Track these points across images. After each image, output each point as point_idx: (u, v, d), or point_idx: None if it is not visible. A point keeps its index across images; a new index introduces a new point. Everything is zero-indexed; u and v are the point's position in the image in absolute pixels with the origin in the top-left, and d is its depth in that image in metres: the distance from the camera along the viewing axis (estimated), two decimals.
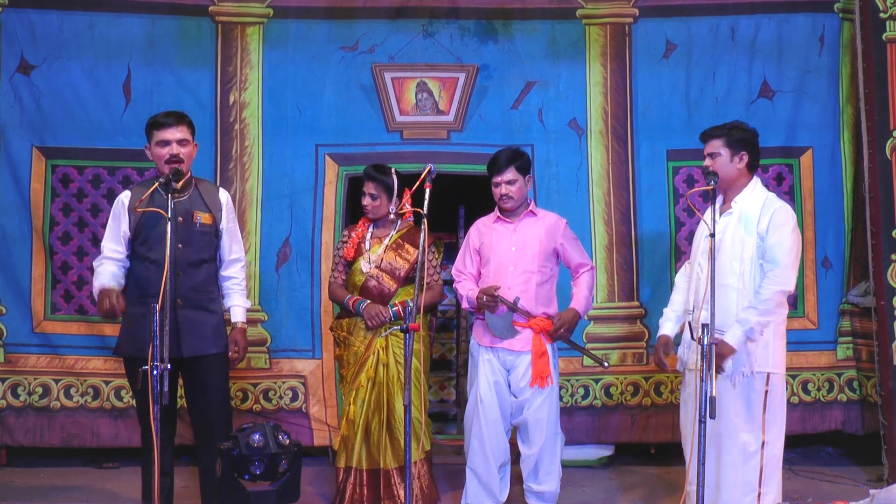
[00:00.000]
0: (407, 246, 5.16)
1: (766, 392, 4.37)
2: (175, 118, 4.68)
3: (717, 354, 4.04)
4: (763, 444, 4.36)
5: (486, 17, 6.36)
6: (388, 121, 6.35)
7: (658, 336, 4.67)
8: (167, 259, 4.20)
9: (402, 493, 4.95)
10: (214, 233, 4.76)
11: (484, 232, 5.16)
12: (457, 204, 7.58)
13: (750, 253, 4.36)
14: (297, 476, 5.31)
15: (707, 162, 4.49)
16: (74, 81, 6.14)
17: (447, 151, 6.33)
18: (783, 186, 6.31)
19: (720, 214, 4.45)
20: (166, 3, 6.22)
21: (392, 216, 5.19)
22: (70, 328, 6.16)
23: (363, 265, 5.12)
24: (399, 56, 6.35)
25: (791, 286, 4.35)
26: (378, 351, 5.06)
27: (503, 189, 5.01)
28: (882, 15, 5.93)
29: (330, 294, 5.34)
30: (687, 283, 4.64)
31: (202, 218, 4.68)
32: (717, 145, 4.47)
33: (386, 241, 5.15)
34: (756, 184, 4.51)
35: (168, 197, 4.29)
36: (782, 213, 4.37)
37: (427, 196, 4.38)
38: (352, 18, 6.32)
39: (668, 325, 4.66)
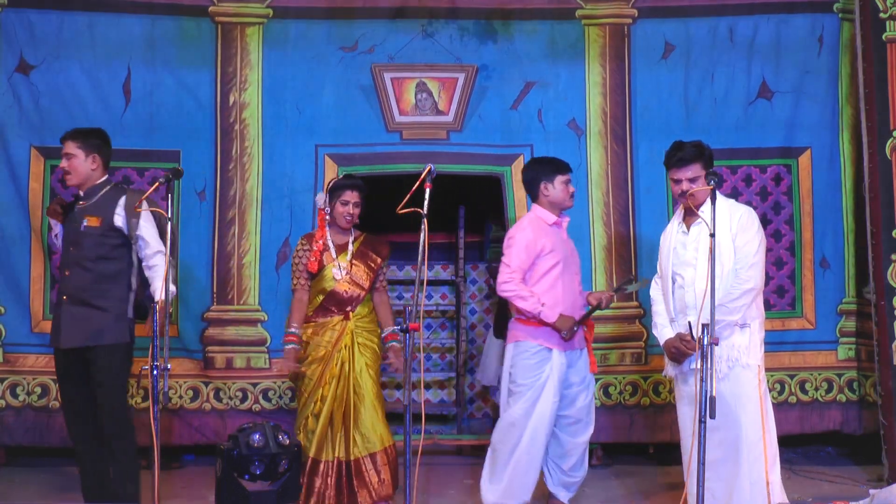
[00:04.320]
0: (371, 253, 5.49)
1: (760, 382, 4.52)
2: (65, 135, 4.97)
3: (683, 352, 4.53)
4: (763, 431, 4.48)
5: (486, 18, 6.40)
6: (387, 121, 6.37)
7: (666, 340, 4.70)
8: (167, 260, 4.30)
9: (374, 479, 5.24)
10: (103, 234, 4.85)
11: (542, 234, 5.20)
12: (457, 204, 7.61)
13: (730, 256, 4.51)
14: (297, 476, 5.32)
15: (686, 186, 4.59)
16: (74, 81, 6.18)
17: (447, 152, 6.36)
18: (781, 187, 6.35)
19: (688, 226, 4.67)
20: (166, 3, 6.25)
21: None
22: None
23: (335, 272, 5.36)
24: (398, 56, 6.38)
25: (761, 282, 4.57)
26: (342, 349, 5.30)
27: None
28: (882, 15, 5.95)
29: (298, 297, 5.45)
30: (662, 296, 4.82)
31: (88, 221, 4.85)
32: (696, 169, 4.59)
33: (351, 248, 5.41)
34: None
35: (171, 196, 4.42)
36: (747, 217, 4.58)
37: (427, 196, 4.40)
38: (351, 19, 6.35)
39: (667, 330, 4.74)
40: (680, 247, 4.71)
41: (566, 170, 5.25)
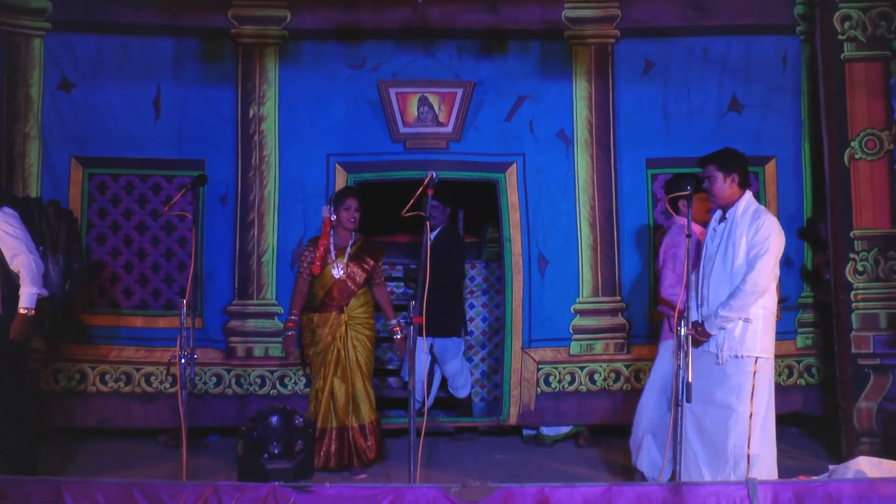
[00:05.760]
0: (365, 256, 6.12)
1: (755, 372, 4.97)
2: None
3: (696, 338, 5.01)
4: (751, 414, 4.96)
5: (482, 38, 6.73)
6: (392, 132, 6.73)
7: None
8: (193, 259, 4.79)
9: (363, 444, 6.02)
10: None
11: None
12: (455, 208, 7.87)
13: (740, 257, 4.97)
14: (312, 455, 5.80)
15: (706, 184, 5.10)
16: (110, 98, 6.58)
17: (446, 160, 6.70)
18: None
19: (717, 223, 5.12)
20: (192, 27, 6.62)
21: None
22: (106, 320, 6.58)
23: (335, 271, 6.04)
24: (402, 73, 6.74)
25: (764, 286, 4.94)
26: (338, 339, 6.02)
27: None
28: (840, 37, 6.28)
29: (299, 288, 6.09)
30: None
31: None
32: (710, 170, 5.09)
33: (349, 250, 6.07)
34: (747, 196, 5.10)
35: (197, 201, 4.84)
36: (766, 225, 4.97)
37: (429, 200, 4.90)
38: (359, 39, 6.70)
39: (693, 313, 5.13)
40: (709, 241, 5.17)
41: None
